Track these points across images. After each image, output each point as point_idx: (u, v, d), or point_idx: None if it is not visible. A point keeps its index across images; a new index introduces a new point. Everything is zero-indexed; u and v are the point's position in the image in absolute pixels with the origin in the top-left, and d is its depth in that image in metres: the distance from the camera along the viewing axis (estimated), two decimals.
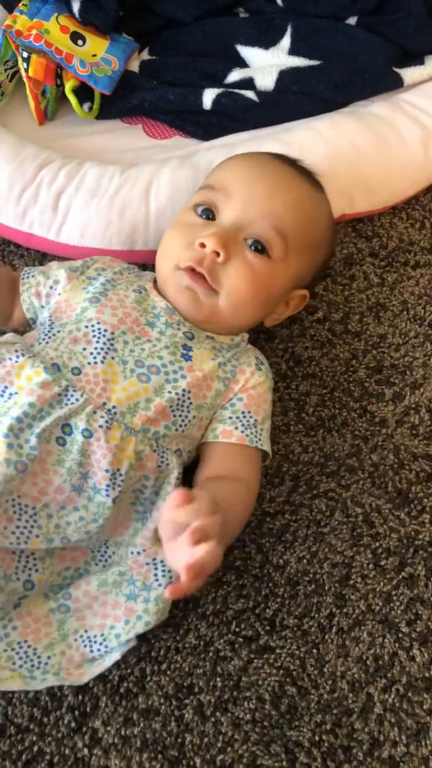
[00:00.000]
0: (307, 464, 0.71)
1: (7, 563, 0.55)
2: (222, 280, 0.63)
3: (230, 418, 0.64)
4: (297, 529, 0.67)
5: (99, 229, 0.80)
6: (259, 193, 0.65)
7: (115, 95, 0.91)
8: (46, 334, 0.64)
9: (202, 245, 0.63)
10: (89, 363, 0.60)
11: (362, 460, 0.71)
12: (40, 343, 0.63)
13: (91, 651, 0.58)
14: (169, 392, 0.61)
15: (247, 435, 0.63)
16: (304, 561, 0.66)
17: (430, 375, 0.76)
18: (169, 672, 0.60)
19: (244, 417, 0.64)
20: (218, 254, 0.62)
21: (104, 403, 0.59)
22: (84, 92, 0.91)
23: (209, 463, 0.64)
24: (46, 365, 0.59)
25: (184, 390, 0.62)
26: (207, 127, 0.90)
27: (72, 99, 0.90)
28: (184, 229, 0.66)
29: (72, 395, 0.58)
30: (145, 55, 0.97)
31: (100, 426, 0.57)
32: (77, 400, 0.58)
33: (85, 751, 0.57)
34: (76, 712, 0.59)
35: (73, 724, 0.58)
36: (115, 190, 0.80)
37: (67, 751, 0.57)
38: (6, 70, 0.91)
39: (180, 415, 0.62)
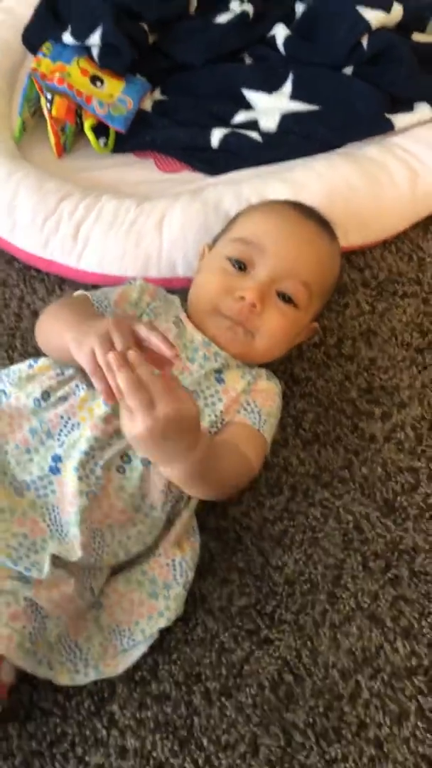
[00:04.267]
0: (304, 475, 0.78)
1: (78, 579, 0.62)
2: (258, 325, 0.72)
3: (237, 407, 0.70)
4: (294, 534, 0.74)
5: (116, 258, 0.87)
6: (289, 251, 0.73)
7: (129, 132, 0.98)
8: None
9: (243, 298, 0.70)
10: None
11: (353, 473, 0.78)
12: None
13: (122, 644, 0.65)
14: (209, 415, 0.69)
15: (249, 418, 0.70)
16: (301, 563, 0.73)
17: (416, 396, 0.83)
18: (179, 661, 0.67)
19: (248, 405, 0.71)
20: (255, 305, 0.70)
21: None
22: (100, 128, 0.98)
23: (218, 435, 0.69)
24: None
25: (221, 411, 0.69)
26: (214, 163, 0.98)
27: (90, 136, 0.98)
28: (221, 277, 0.73)
29: None
30: (158, 94, 1.05)
31: None
32: None
33: (104, 732, 0.64)
34: (95, 697, 0.65)
35: (92, 708, 0.65)
36: (131, 222, 0.87)
37: (87, 732, 0.64)
38: (30, 107, 0.99)
39: (215, 432, 0.69)
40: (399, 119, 0.97)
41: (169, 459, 0.58)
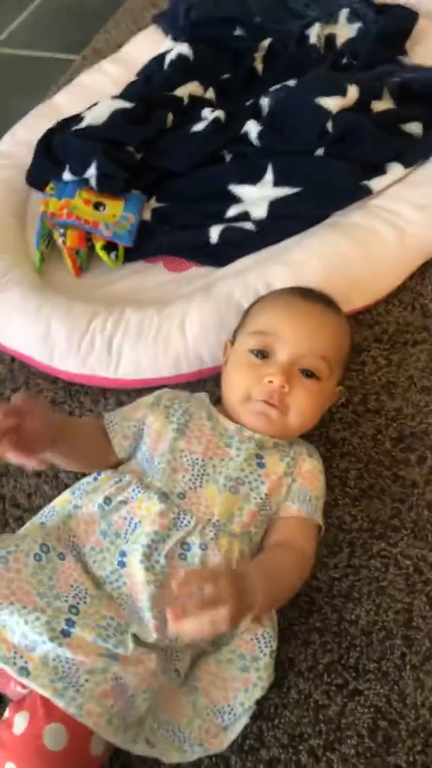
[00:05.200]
0: (358, 530, 0.84)
1: (161, 658, 0.68)
2: (289, 404, 0.79)
3: (286, 494, 0.78)
4: (361, 587, 0.80)
5: (149, 363, 0.95)
6: (304, 334, 0.81)
7: (136, 243, 1.08)
8: (150, 467, 0.78)
9: (271, 382, 0.78)
10: (190, 488, 0.75)
11: (402, 519, 0.84)
12: (148, 477, 0.77)
13: (223, 720, 0.70)
14: (255, 498, 0.76)
15: (304, 509, 0.77)
16: (372, 612, 0.79)
17: None
18: (280, 725, 0.73)
19: (301, 494, 0.78)
20: (283, 387, 0.78)
21: (209, 519, 0.73)
22: (110, 245, 1.09)
23: (272, 534, 0.77)
24: (159, 496, 0.74)
25: (266, 494, 0.76)
26: (217, 257, 1.07)
27: (102, 255, 1.08)
28: (248, 369, 0.81)
29: (184, 518, 0.73)
30: (155, 203, 1.15)
31: (211, 538, 0.72)
32: (189, 522, 0.72)
33: None
34: None
35: None
36: (156, 329, 0.96)
37: None
38: (44, 241, 1.10)
39: (265, 514, 0.76)
40: (375, 183, 1.05)
41: (246, 612, 0.64)
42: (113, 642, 0.65)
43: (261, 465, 0.78)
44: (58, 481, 0.91)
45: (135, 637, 0.66)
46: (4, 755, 0.61)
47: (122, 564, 0.71)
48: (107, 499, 0.75)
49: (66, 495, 0.78)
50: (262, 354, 0.81)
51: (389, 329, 0.99)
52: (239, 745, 0.72)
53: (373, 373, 0.96)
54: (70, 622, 0.65)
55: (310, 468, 0.80)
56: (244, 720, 0.70)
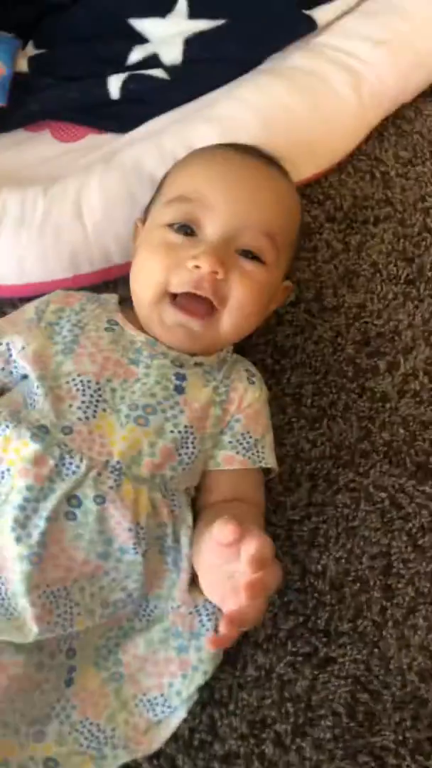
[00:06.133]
0: (320, 459, 0.68)
1: (49, 640, 0.52)
2: (226, 295, 0.59)
3: (230, 442, 0.61)
4: (327, 530, 0.66)
5: (37, 262, 0.73)
6: (241, 200, 0.60)
7: (11, 104, 0.82)
8: (30, 396, 0.58)
9: (197, 267, 0.58)
10: (79, 419, 0.56)
11: (374, 442, 0.69)
12: (26, 408, 0.58)
13: (155, 714, 0.56)
14: (171, 431, 0.57)
15: (249, 458, 0.61)
16: (342, 561, 0.64)
17: (419, 335, 0.74)
18: (237, 711, 0.59)
19: (244, 439, 0.61)
20: (215, 272, 0.58)
21: (107, 461, 0.55)
22: None
23: (214, 490, 0.61)
24: (32, 433, 0.54)
25: (185, 426, 0.58)
26: (121, 118, 0.83)
27: None
28: (164, 251, 0.60)
29: (71, 463, 0.54)
30: (32, 49, 0.88)
31: (111, 487, 0.54)
32: (77, 467, 0.54)
33: None
34: None
35: None
36: (43, 215, 0.73)
37: None
38: None
39: (185, 453, 0.58)
40: (321, 13, 0.83)
41: None
42: None
43: (179, 389, 0.59)
44: None
45: None
46: None
47: None
48: None
49: None
50: (186, 230, 0.60)
51: (344, 205, 0.80)
52: (186, 741, 0.59)
53: (328, 261, 0.77)
54: None
55: (251, 401, 0.62)
56: (181, 714, 0.56)
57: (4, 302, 0.74)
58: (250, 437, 0.61)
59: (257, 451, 0.61)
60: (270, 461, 0.62)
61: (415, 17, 0.82)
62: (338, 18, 0.84)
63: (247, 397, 0.62)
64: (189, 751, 0.58)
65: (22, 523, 0.52)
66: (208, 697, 0.59)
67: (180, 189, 0.63)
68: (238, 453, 0.60)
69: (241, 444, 0.60)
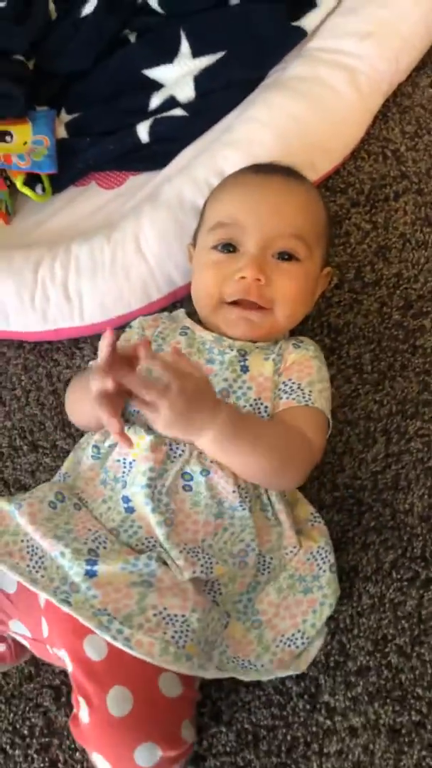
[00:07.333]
0: (389, 416, 0.78)
1: (203, 599, 0.63)
2: (271, 296, 0.70)
3: (279, 389, 0.69)
4: (407, 474, 0.75)
5: (115, 299, 0.85)
6: (267, 214, 0.71)
7: (60, 167, 0.94)
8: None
9: (243, 277, 0.69)
10: None
11: None
12: (132, 413, 0.69)
13: (297, 647, 0.65)
14: (244, 406, 0.69)
15: (294, 398, 0.68)
16: (426, 496, 0.74)
17: None
18: (361, 634, 0.70)
19: (286, 386, 0.69)
20: (258, 279, 0.69)
21: None
22: (32, 179, 0.95)
23: None
24: (145, 428, 0.66)
25: (255, 399, 0.69)
26: (154, 157, 0.93)
27: (27, 191, 0.94)
28: (214, 268, 0.72)
29: (177, 447, 0.66)
30: (65, 116, 0.99)
31: (212, 461, 0.65)
32: (183, 450, 0.65)
33: (328, 722, 0.68)
34: (305, 696, 0.69)
35: (307, 707, 0.69)
36: (110, 260, 0.84)
37: (314, 729, 0.68)
38: None
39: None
40: (307, 22, 0.90)
41: (199, 429, 0.61)
42: (144, 561, 0.61)
43: (245, 369, 0.71)
44: (57, 450, 0.84)
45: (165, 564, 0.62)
46: (88, 748, 0.61)
47: (130, 510, 0.65)
48: (95, 448, 0.70)
49: (69, 456, 0.75)
50: (228, 248, 0.72)
51: (364, 188, 0.88)
52: (324, 664, 0.70)
53: (361, 241, 0.86)
54: (91, 562, 0.61)
55: (295, 358, 0.72)
56: (319, 642, 0.66)
57: (94, 338, 0.87)
58: (293, 383, 0.69)
59: (303, 393, 0.69)
60: (318, 404, 0.69)
61: (394, 3, 0.88)
62: (324, 22, 0.91)
63: (291, 356, 0.72)
64: (328, 671, 0.69)
65: (152, 497, 0.64)
66: (334, 627, 0.70)
67: (217, 216, 0.74)
68: (281, 399, 0.69)
69: (284, 390, 0.69)
